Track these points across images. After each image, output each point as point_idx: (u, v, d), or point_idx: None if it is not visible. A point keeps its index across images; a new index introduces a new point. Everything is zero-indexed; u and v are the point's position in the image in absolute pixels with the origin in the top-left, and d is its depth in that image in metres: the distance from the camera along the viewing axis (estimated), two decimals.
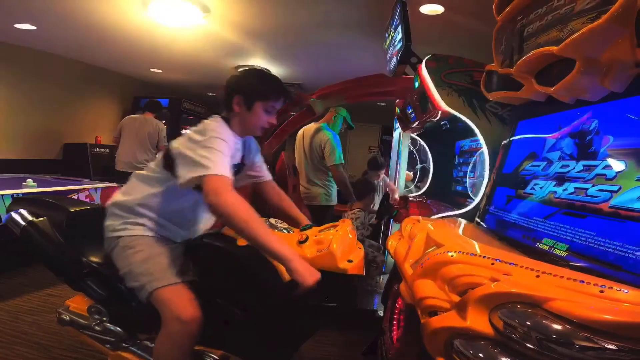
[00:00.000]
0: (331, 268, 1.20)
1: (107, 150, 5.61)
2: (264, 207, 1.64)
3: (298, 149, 3.36)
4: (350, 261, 1.24)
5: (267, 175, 1.72)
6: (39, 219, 1.57)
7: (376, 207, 3.51)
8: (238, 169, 1.54)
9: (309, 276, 1.12)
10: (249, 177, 1.68)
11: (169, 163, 1.35)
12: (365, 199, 3.00)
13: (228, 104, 1.44)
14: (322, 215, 3.19)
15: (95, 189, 3.69)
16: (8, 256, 3.05)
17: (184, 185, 1.25)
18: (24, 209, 1.62)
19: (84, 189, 3.56)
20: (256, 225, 1.16)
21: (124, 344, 1.48)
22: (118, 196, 1.50)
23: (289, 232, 1.40)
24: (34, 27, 3.95)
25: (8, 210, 1.64)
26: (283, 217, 1.60)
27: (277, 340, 1.35)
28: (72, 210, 1.64)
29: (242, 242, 1.31)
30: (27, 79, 4.90)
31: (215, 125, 1.38)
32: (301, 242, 1.28)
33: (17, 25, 3.90)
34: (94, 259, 1.49)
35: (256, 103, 1.42)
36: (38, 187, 3.14)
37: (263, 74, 1.51)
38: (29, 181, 3.20)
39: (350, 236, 1.35)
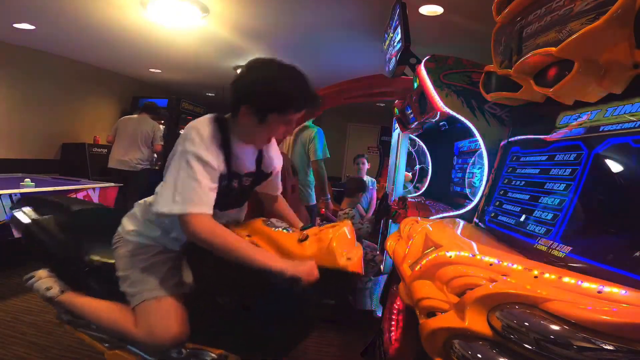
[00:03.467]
0: (331, 265, 1.20)
1: (106, 150, 5.58)
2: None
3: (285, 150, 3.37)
4: (349, 259, 1.24)
5: (277, 191, 1.59)
6: (44, 217, 1.58)
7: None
8: (254, 178, 1.39)
9: (307, 274, 1.11)
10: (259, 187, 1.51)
11: None
12: (353, 197, 3.02)
13: (234, 111, 1.22)
14: (309, 215, 3.24)
15: (94, 189, 3.68)
16: (7, 256, 3.04)
17: (158, 214, 1.19)
18: (28, 207, 1.63)
19: (82, 189, 3.55)
20: (242, 248, 1.15)
21: (122, 343, 1.47)
22: (150, 197, 1.38)
23: (288, 231, 1.37)
24: (32, 27, 3.95)
25: (11, 209, 1.65)
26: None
27: (276, 337, 1.37)
28: (75, 210, 1.65)
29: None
30: (25, 79, 4.89)
31: (195, 134, 1.17)
32: (301, 240, 1.27)
33: (16, 25, 3.89)
34: (96, 257, 1.49)
35: (271, 115, 1.18)
36: (36, 187, 3.13)
37: (284, 73, 1.17)
38: (27, 181, 3.19)
39: (349, 236, 1.35)
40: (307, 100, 1.20)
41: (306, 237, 1.27)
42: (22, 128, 4.94)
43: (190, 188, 1.12)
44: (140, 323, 1.28)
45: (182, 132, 1.24)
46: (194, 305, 1.34)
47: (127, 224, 1.38)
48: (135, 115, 4.70)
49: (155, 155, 4.94)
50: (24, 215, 1.59)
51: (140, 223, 1.36)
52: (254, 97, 1.16)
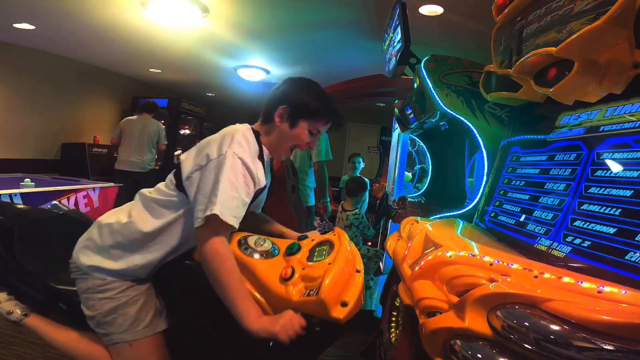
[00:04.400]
0: (321, 316, 1.00)
1: (106, 150, 5.61)
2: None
3: None
4: (345, 304, 1.00)
5: (259, 207, 1.50)
6: None
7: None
8: (257, 193, 1.29)
9: (284, 334, 0.96)
10: None
11: (181, 183, 1.16)
12: (357, 197, 3.04)
13: (268, 114, 1.27)
14: (308, 215, 3.27)
15: (94, 189, 3.68)
16: None
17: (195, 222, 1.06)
18: None
19: (82, 189, 3.55)
20: (234, 286, 1.02)
21: None
22: (111, 217, 1.24)
23: (272, 254, 1.16)
24: (32, 27, 3.95)
25: None
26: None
27: None
28: (21, 227, 1.41)
29: None
30: (25, 79, 4.89)
31: (242, 139, 1.15)
32: (285, 280, 1.04)
33: (16, 25, 3.89)
34: (59, 284, 1.30)
35: (301, 120, 1.26)
36: (36, 187, 3.13)
37: (318, 90, 1.31)
38: (27, 181, 3.19)
39: (348, 267, 1.10)
40: (334, 116, 1.31)
41: (291, 274, 1.05)
42: (22, 128, 4.94)
43: (230, 196, 1.05)
44: None
45: (216, 135, 1.18)
46: (176, 338, 1.22)
47: (84, 256, 1.20)
48: (136, 116, 4.66)
49: (156, 156, 4.95)
50: None
51: (101, 253, 1.19)
52: (292, 100, 1.25)
